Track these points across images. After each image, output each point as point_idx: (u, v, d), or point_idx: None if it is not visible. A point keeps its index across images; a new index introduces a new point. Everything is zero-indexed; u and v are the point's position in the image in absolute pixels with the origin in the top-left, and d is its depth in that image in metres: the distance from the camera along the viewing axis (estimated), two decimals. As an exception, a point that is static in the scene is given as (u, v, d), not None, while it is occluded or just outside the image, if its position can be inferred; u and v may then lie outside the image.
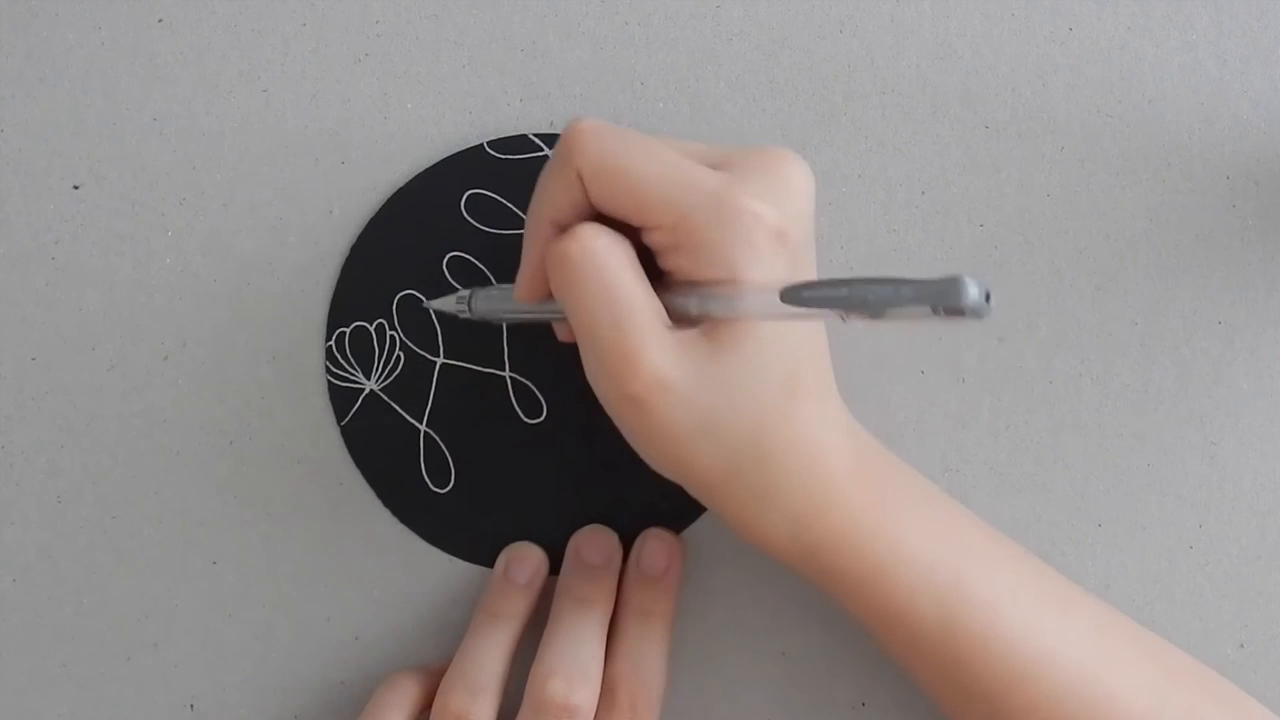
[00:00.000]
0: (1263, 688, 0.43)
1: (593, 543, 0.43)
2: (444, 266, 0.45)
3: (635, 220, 0.36)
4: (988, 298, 0.27)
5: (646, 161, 0.36)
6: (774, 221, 0.35)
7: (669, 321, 0.36)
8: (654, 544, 0.43)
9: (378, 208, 0.45)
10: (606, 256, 0.35)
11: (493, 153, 0.45)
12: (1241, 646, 0.44)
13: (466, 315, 0.43)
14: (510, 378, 0.44)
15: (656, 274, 0.37)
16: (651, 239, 0.36)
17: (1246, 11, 0.45)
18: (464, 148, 0.45)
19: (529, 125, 0.45)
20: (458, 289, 0.44)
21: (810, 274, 0.38)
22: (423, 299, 0.45)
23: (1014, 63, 0.45)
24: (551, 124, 0.45)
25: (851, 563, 0.38)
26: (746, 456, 0.37)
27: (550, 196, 0.37)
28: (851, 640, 0.44)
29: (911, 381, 0.44)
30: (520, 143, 0.45)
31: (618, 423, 0.37)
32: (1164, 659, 0.40)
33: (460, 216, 0.44)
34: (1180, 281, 0.44)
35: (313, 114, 0.45)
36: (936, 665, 0.39)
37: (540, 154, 0.45)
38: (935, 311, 0.27)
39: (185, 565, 0.45)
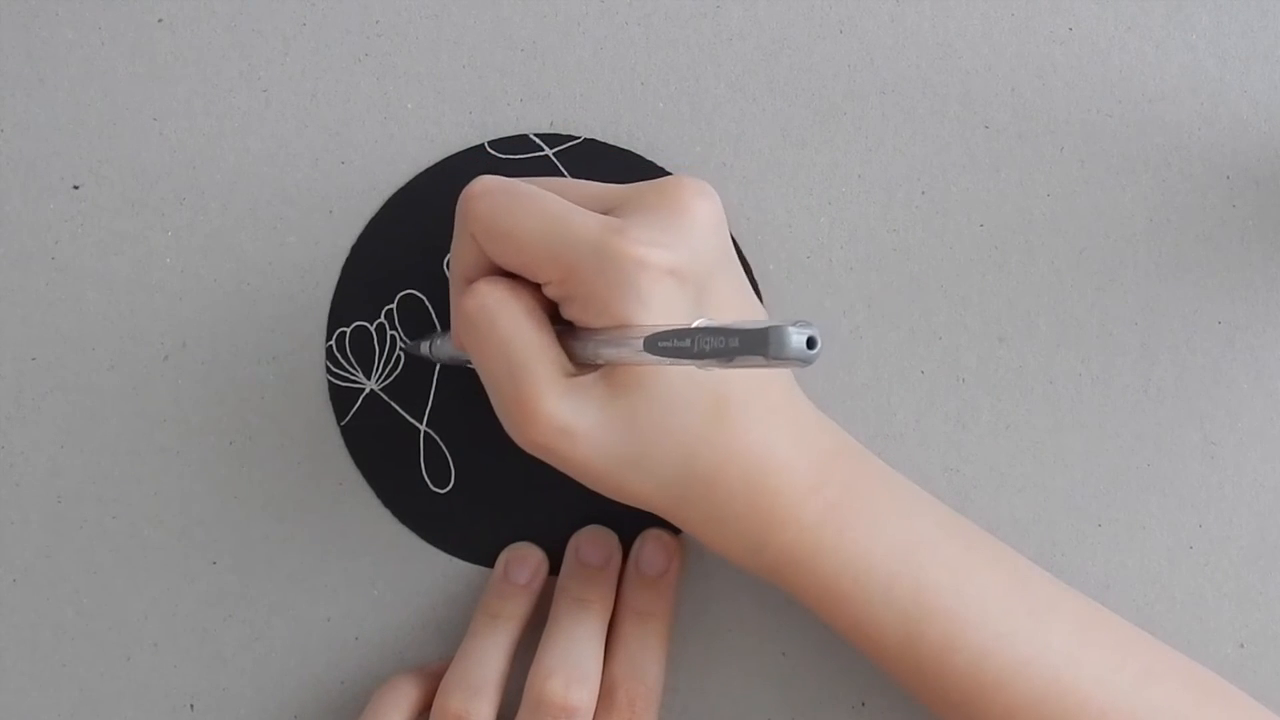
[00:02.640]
0: (1263, 688, 0.43)
1: (592, 543, 0.43)
2: (444, 266, 0.45)
3: (527, 276, 0.37)
4: (810, 344, 0.28)
5: (530, 219, 0.37)
6: (664, 263, 0.36)
7: (570, 368, 0.37)
8: (653, 544, 0.43)
9: (378, 208, 0.45)
10: (499, 309, 0.37)
11: (493, 153, 0.45)
12: (1241, 646, 0.44)
13: (430, 358, 0.44)
14: (510, 378, 0.44)
15: (566, 321, 0.38)
16: (547, 292, 0.37)
17: (1246, 11, 0.44)
18: (464, 148, 0.45)
19: (529, 125, 0.45)
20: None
21: (729, 301, 0.38)
22: (425, 300, 0.45)
23: (1014, 63, 0.45)
24: (551, 124, 0.45)
25: (809, 579, 0.38)
26: (687, 482, 0.37)
27: (457, 258, 0.39)
28: (851, 640, 0.44)
29: (911, 381, 0.44)
30: (520, 143, 0.45)
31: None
32: (1149, 658, 0.40)
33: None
34: (1180, 281, 0.44)
35: (313, 114, 0.45)
36: (906, 676, 0.39)
37: (540, 154, 0.45)
38: (767, 360, 0.28)
39: (185, 565, 0.45)
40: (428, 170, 0.45)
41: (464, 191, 0.38)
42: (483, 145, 0.45)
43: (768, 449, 0.38)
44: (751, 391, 0.37)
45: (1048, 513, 0.44)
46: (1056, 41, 0.45)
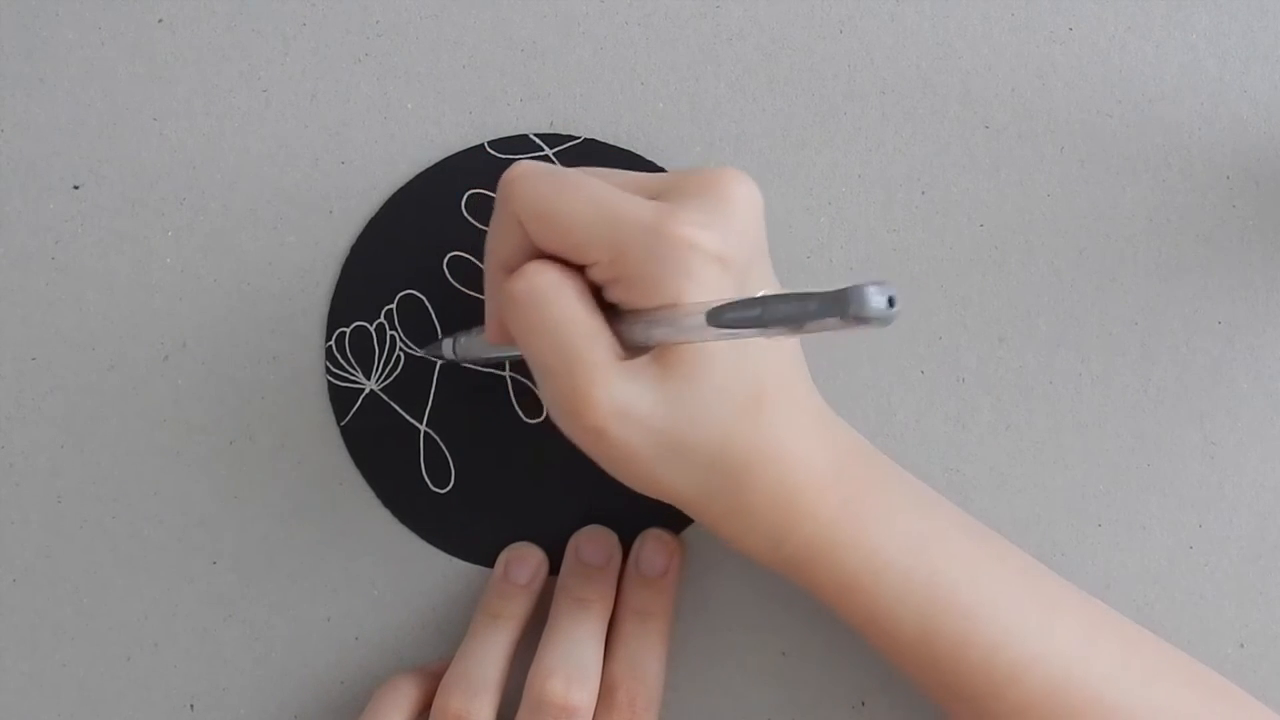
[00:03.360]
0: (1263, 688, 0.43)
1: (592, 543, 0.43)
2: (444, 266, 0.45)
3: (574, 259, 0.37)
4: (891, 302, 0.27)
5: (578, 201, 0.36)
6: (713, 247, 0.35)
7: (621, 351, 0.36)
8: (653, 544, 0.43)
9: (378, 208, 0.45)
10: (552, 292, 0.36)
11: (493, 153, 0.45)
12: (1241, 646, 0.44)
13: (454, 359, 0.43)
14: (510, 378, 0.44)
15: (609, 305, 0.37)
16: (593, 274, 0.37)
17: (1246, 11, 0.44)
18: (464, 148, 0.45)
19: (529, 125, 0.45)
20: (455, 285, 0.44)
21: (764, 290, 0.38)
22: (425, 300, 0.45)
23: (1014, 63, 0.45)
24: (551, 124, 0.45)
25: (828, 574, 0.38)
26: (716, 474, 0.37)
27: (497, 243, 0.38)
28: (851, 640, 0.44)
29: (911, 381, 0.45)
30: (520, 143, 0.45)
31: (585, 451, 0.37)
32: (1154, 656, 0.40)
33: (460, 216, 0.44)
34: (1180, 281, 0.44)
35: (313, 114, 0.45)
36: (920, 670, 0.39)
37: (540, 154, 0.45)
38: (844, 321, 0.28)
39: (185, 565, 0.45)
40: (428, 170, 0.45)
41: (505, 175, 0.37)
42: (483, 145, 0.45)
43: (794, 443, 0.38)
44: (783, 386, 0.38)
45: (1048, 513, 0.44)
46: (1056, 41, 0.45)
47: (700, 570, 0.44)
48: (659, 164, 0.45)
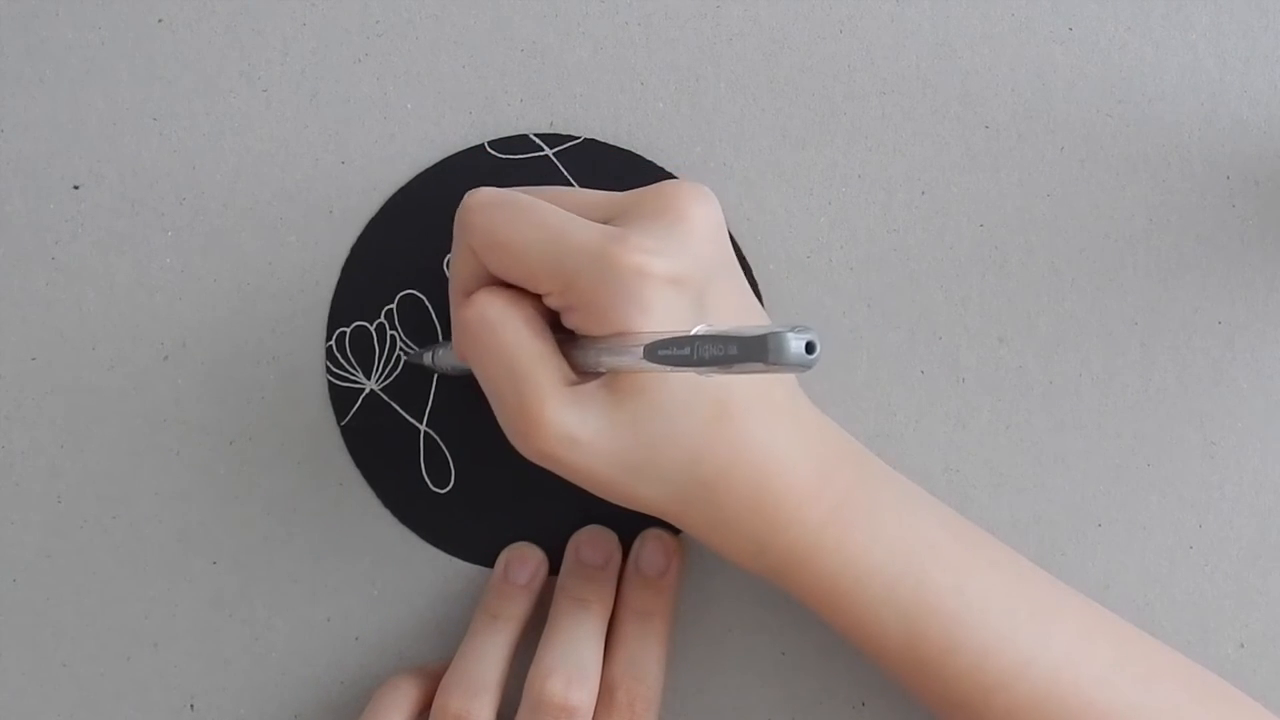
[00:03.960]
0: (1263, 688, 0.43)
1: (592, 543, 0.43)
2: (444, 266, 0.45)
3: (528, 287, 0.37)
4: (810, 348, 0.28)
5: (529, 230, 0.37)
6: (663, 270, 0.36)
7: (572, 376, 0.37)
8: (653, 544, 0.43)
9: (378, 208, 0.45)
10: (500, 319, 0.37)
11: (493, 153, 0.45)
12: (1241, 646, 0.44)
13: (432, 369, 0.44)
14: (510, 378, 0.44)
15: (567, 330, 0.38)
16: (549, 302, 0.37)
17: (1246, 11, 0.44)
18: (464, 148, 0.45)
19: (529, 125, 0.45)
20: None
21: (729, 306, 0.38)
22: (425, 300, 0.45)
23: (1014, 63, 0.45)
24: (551, 124, 0.45)
25: (812, 580, 0.38)
26: (692, 486, 0.37)
27: (456, 270, 0.39)
28: (851, 640, 0.44)
29: (911, 381, 0.44)
30: (520, 143, 0.45)
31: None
32: (1150, 659, 0.40)
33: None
34: (1180, 281, 0.44)
35: (313, 114, 0.45)
36: (908, 677, 0.39)
37: (540, 154, 0.45)
38: (766, 365, 0.28)
39: (185, 565, 0.45)
40: (428, 170, 0.45)
41: (461, 204, 0.38)
42: (483, 145, 0.45)
43: (771, 451, 0.38)
44: (754, 395, 0.37)
45: (1048, 513, 0.44)
46: (1056, 41, 0.45)
47: (700, 570, 0.44)
48: (659, 164, 0.45)
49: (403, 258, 0.45)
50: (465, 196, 0.38)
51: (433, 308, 0.45)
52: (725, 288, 0.38)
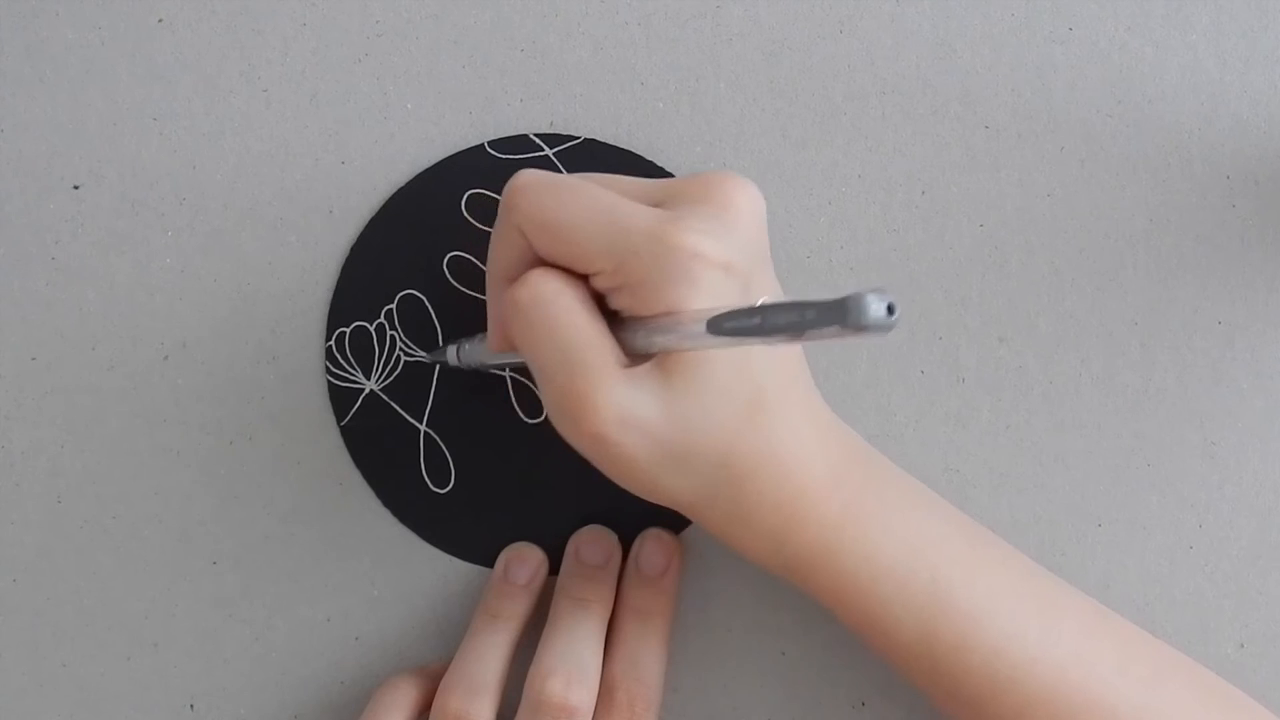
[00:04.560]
0: (1263, 688, 0.43)
1: (592, 543, 0.43)
2: (444, 266, 0.45)
3: (578, 268, 0.37)
4: (890, 310, 0.27)
5: (581, 211, 0.36)
6: (716, 254, 0.35)
7: (624, 359, 0.36)
8: (653, 544, 0.43)
9: (378, 208, 0.45)
10: (555, 299, 0.36)
11: (493, 153, 0.45)
12: (1241, 646, 0.44)
13: (458, 366, 0.43)
14: (510, 378, 0.44)
15: (612, 312, 0.37)
16: (597, 283, 0.37)
17: (1246, 11, 0.44)
18: (464, 148, 0.45)
19: (529, 125, 0.45)
20: (455, 285, 0.44)
21: (767, 296, 0.38)
22: (425, 300, 0.45)
23: (1014, 63, 0.45)
24: (551, 124, 0.45)
25: (827, 577, 0.38)
26: (719, 479, 0.37)
27: (500, 254, 0.38)
28: (851, 640, 0.44)
29: (911, 381, 0.44)
30: (520, 143, 0.45)
31: (589, 458, 0.37)
32: (1154, 658, 0.40)
33: (460, 216, 0.44)
34: (1180, 281, 0.44)
35: (313, 114, 0.45)
36: (920, 673, 0.39)
37: (540, 154, 0.45)
38: (844, 330, 0.28)
39: (185, 565, 0.45)
40: (428, 170, 0.45)
41: (508, 186, 0.38)
42: (482, 145, 0.45)
43: (794, 447, 0.38)
44: (783, 389, 0.37)
45: (1048, 513, 0.44)
46: (1056, 41, 0.45)
47: (700, 570, 0.44)
48: (659, 164, 0.45)
49: (403, 258, 0.45)
50: (512, 178, 0.38)
51: (433, 308, 0.45)
52: (767, 279, 0.38)
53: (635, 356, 0.37)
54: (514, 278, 0.38)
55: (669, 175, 0.45)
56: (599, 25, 0.45)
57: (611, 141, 0.45)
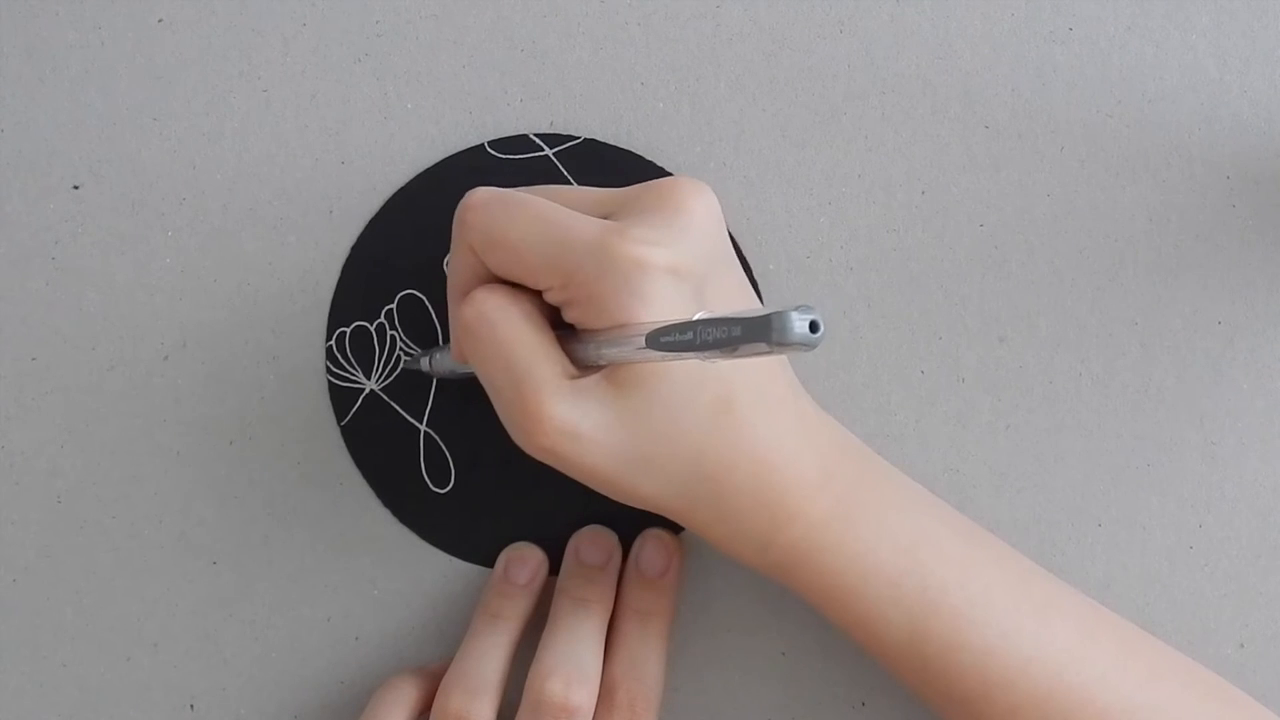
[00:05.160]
0: (1263, 688, 0.43)
1: (592, 543, 0.43)
2: (444, 266, 0.45)
3: (528, 283, 0.37)
4: (814, 328, 0.28)
5: (528, 226, 0.37)
6: (662, 261, 0.36)
7: (572, 371, 0.37)
8: (653, 544, 0.43)
9: (378, 208, 0.45)
10: (498, 316, 0.37)
11: (493, 153, 0.45)
12: (1241, 646, 0.44)
13: (430, 373, 0.44)
14: (510, 378, 0.44)
15: (568, 326, 0.38)
16: (550, 298, 0.37)
17: (1246, 11, 0.44)
18: (464, 148, 0.45)
19: (529, 125, 0.45)
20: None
21: (728, 298, 0.38)
22: (425, 300, 0.45)
23: (1014, 63, 0.45)
24: (551, 124, 0.45)
25: (816, 577, 0.38)
26: (696, 481, 0.37)
27: (456, 270, 0.39)
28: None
29: (911, 381, 0.44)
30: (520, 143, 0.45)
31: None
32: (1151, 658, 0.40)
33: (460, 216, 0.44)
34: (1180, 281, 0.44)
35: (313, 114, 0.45)
36: (910, 673, 0.39)
37: (540, 154, 0.45)
38: (770, 346, 0.28)
39: (185, 565, 0.45)
40: (428, 170, 0.45)
41: (460, 204, 0.39)
42: (483, 145, 0.45)
43: (774, 445, 0.38)
44: (756, 388, 0.38)
45: (1048, 513, 0.44)
46: (1056, 41, 0.45)
47: (700, 570, 0.44)
48: (659, 164, 0.45)
49: (403, 258, 0.45)
50: (464, 196, 0.39)
51: (433, 308, 0.45)
52: (724, 281, 0.38)
53: (589, 368, 0.37)
54: (469, 293, 0.38)
55: (669, 175, 0.45)
56: (599, 25, 0.45)
57: (611, 141, 0.45)
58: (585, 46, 0.45)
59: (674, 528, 0.44)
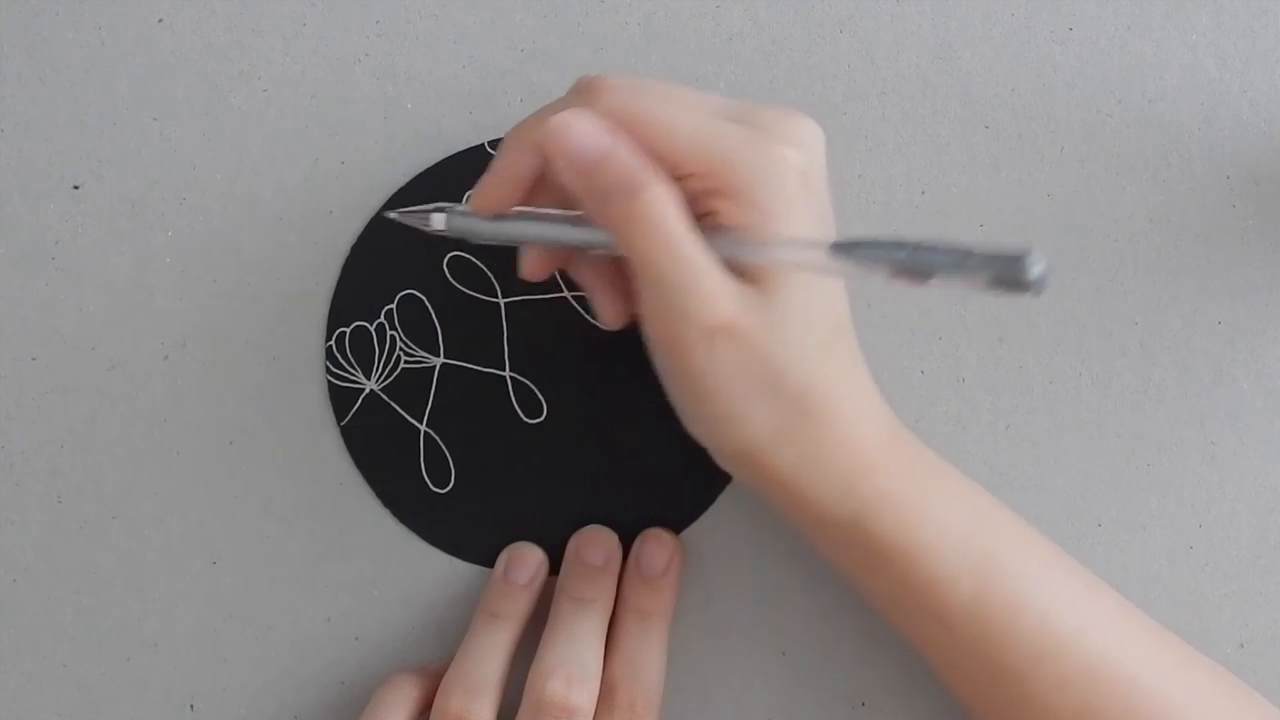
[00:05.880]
0: (1263, 688, 0.43)
1: (592, 543, 0.43)
2: (444, 266, 0.45)
3: (667, 167, 0.36)
4: (1045, 276, 0.28)
5: (681, 107, 0.37)
6: (802, 165, 0.36)
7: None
8: (653, 544, 0.43)
9: (378, 208, 0.45)
10: (668, 207, 0.36)
11: (493, 153, 0.45)
12: (1241, 646, 0.44)
13: (441, 231, 0.40)
14: (510, 378, 0.44)
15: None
16: (685, 186, 0.36)
17: (1246, 11, 0.44)
18: (464, 148, 0.45)
19: (529, 125, 0.45)
20: (455, 285, 0.44)
21: (831, 223, 0.38)
22: (425, 300, 0.45)
23: (1014, 63, 0.45)
24: (551, 124, 0.45)
25: (892, 528, 0.38)
26: (796, 413, 0.37)
27: (552, 113, 0.37)
28: (852, 639, 0.44)
29: (911, 381, 0.44)
30: (520, 143, 0.45)
31: (677, 376, 0.37)
32: (1179, 647, 0.40)
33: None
34: (1180, 281, 0.44)
35: (313, 114, 0.45)
36: (966, 641, 0.38)
37: (540, 154, 0.45)
38: (992, 284, 0.28)
39: (185, 565, 0.45)
40: (428, 170, 0.45)
41: (590, 81, 0.37)
42: (483, 145, 0.45)
43: (863, 389, 0.38)
44: (850, 330, 0.38)
45: (1048, 513, 0.44)
46: (1056, 41, 0.45)
47: (700, 570, 0.44)
48: (659, 164, 0.45)
49: (403, 258, 0.45)
50: (593, 77, 0.37)
51: (432, 308, 0.45)
52: (829, 206, 0.38)
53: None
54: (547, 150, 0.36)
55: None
56: (599, 25, 0.45)
57: (611, 141, 0.45)
58: (585, 46, 0.45)
59: (674, 528, 0.44)
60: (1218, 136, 0.44)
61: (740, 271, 0.36)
